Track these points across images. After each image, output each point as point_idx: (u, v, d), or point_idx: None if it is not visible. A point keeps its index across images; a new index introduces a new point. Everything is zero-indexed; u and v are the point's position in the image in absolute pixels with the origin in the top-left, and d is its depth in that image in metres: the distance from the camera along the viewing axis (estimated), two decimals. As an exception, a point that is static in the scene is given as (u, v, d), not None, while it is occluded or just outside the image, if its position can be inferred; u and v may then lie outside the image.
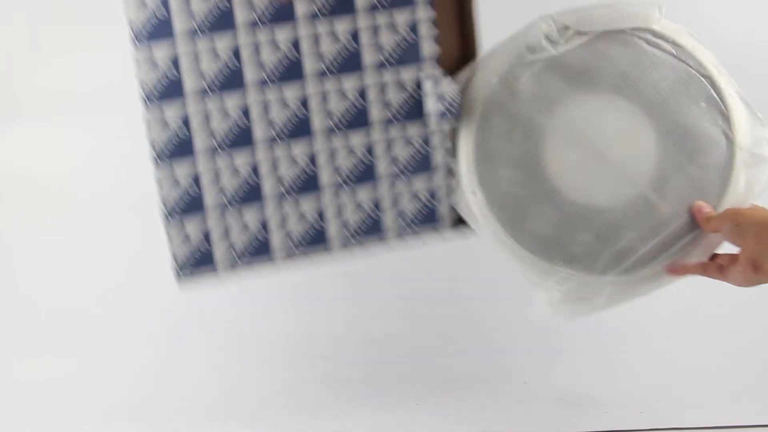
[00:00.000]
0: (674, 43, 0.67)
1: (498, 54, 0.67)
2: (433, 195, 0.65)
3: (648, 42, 0.67)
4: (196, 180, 0.61)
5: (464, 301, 0.98)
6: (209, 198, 0.62)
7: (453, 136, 0.66)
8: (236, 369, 1.02)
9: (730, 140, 0.66)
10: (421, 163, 0.64)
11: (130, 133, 1.28)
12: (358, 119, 0.63)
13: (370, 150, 0.63)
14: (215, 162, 0.61)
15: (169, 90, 0.60)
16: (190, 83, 0.60)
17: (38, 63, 1.32)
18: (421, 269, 0.94)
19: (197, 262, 0.63)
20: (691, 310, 1.17)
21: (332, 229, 0.64)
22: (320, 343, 0.97)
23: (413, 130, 0.64)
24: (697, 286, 1.24)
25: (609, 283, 0.66)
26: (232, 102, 0.60)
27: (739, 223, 0.63)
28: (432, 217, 0.66)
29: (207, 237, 0.62)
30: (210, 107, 0.60)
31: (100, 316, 1.20)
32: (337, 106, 0.62)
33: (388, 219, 0.65)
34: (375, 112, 0.63)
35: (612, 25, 0.67)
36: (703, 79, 0.67)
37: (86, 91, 1.31)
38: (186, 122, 0.61)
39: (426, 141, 0.64)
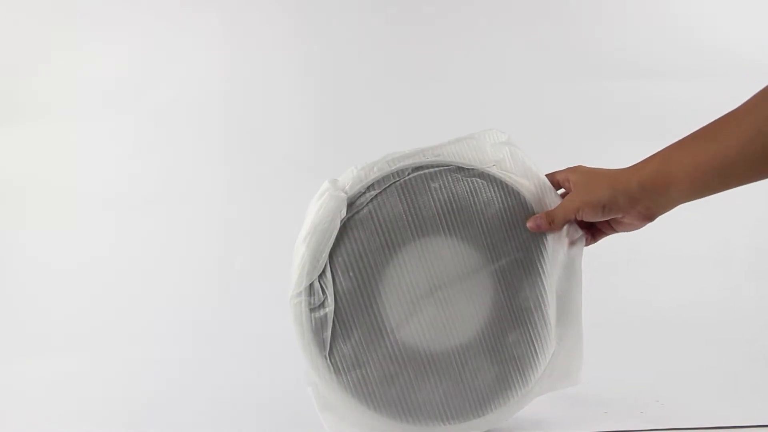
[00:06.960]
0: (445, 166, 0.68)
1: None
2: None
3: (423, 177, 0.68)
4: None
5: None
6: None
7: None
8: (243, 371, 1.02)
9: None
10: None
11: (131, 133, 1.29)
12: None
13: None
14: None
15: None
16: None
17: (39, 64, 1.32)
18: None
19: None
20: (691, 310, 1.17)
21: None
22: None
23: None
24: (697, 286, 1.24)
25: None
26: None
27: (585, 208, 0.63)
28: None
29: None
30: None
31: (103, 317, 1.20)
32: None
33: None
34: None
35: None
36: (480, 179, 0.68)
37: (88, 92, 1.31)
38: None
39: None
